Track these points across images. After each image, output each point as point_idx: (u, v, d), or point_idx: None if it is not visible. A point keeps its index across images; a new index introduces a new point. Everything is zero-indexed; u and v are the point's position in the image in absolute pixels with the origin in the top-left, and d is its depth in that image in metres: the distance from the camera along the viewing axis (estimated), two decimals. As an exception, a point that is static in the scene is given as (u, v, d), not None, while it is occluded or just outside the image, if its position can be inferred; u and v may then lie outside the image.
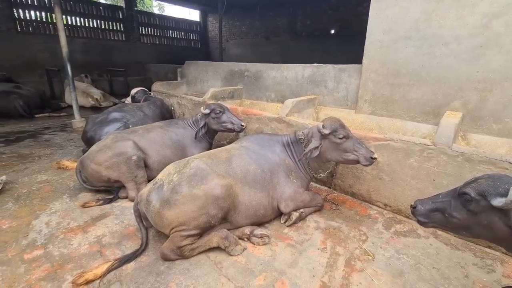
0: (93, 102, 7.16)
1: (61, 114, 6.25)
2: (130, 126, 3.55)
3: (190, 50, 13.39)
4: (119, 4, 10.23)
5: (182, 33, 12.98)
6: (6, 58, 7.83)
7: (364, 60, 3.20)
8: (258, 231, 2.06)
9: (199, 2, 11.72)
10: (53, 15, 8.80)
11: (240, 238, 2.04)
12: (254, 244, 2.03)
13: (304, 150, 2.28)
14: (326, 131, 2.19)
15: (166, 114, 4.63)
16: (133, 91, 4.97)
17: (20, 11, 8.10)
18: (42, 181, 2.96)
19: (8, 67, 7.90)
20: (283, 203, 2.25)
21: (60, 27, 4.60)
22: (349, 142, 2.21)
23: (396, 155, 2.38)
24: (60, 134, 4.75)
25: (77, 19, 9.37)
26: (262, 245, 2.03)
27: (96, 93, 7.32)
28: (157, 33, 11.89)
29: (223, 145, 3.77)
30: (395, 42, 2.93)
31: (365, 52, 3.17)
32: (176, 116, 4.96)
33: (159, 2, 11.46)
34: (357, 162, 2.19)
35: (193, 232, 1.84)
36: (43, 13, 8.58)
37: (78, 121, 5.09)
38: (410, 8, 2.79)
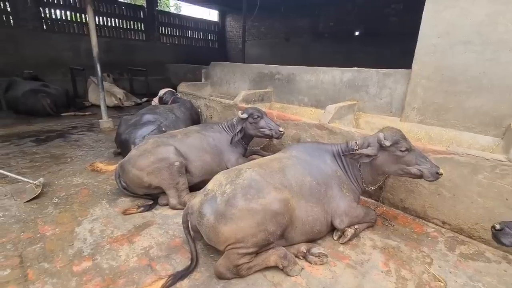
0: (116, 102, 7.17)
1: (86, 113, 6.26)
2: (164, 129, 3.47)
3: (208, 51, 13.37)
4: (140, 4, 10.23)
5: (201, 33, 12.97)
6: (32, 56, 7.95)
7: (414, 65, 3.01)
8: (316, 249, 1.91)
9: (219, 2, 11.67)
10: (78, 14, 8.93)
11: (295, 256, 1.90)
12: (311, 264, 1.88)
13: (357, 162, 2.15)
14: (387, 143, 2.02)
15: (195, 116, 4.55)
16: (161, 92, 4.91)
17: (47, 9, 8.22)
18: (78, 184, 2.90)
19: (34, 65, 8.02)
20: (337, 218, 2.10)
21: (92, 26, 4.57)
22: (411, 155, 2.04)
23: (460, 170, 2.18)
24: (88, 134, 4.73)
25: (101, 18, 9.45)
26: (320, 264, 1.88)
27: (119, 92, 7.33)
28: (176, 33, 11.92)
29: (256, 151, 3.68)
30: (452, 47, 2.73)
31: (415, 56, 2.98)
32: (203, 119, 4.87)
33: (177, 1, 11.47)
34: (420, 176, 2.02)
35: (250, 250, 1.71)
36: (68, 12, 8.68)
37: (105, 121, 5.07)
38: (472, 10, 2.58)
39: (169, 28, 11.57)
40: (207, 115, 4.79)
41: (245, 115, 3.01)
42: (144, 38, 10.77)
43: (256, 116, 3.02)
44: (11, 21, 7.65)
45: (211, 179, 1.97)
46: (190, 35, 12.54)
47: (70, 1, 8.64)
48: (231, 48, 13.89)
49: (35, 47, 7.98)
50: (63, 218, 2.30)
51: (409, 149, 2.04)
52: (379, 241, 2.17)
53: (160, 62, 11.14)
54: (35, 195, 2.54)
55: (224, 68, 5.86)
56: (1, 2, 7.38)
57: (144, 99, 8.27)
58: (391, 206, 2.66)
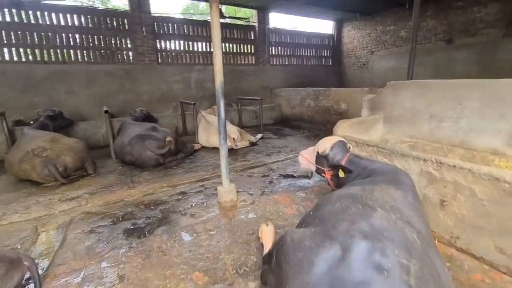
0: (230, 144, 5.47)
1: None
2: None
3: (320, 69, 11.11)
4: (251, 23, 8.90)
5: (313, 49, 10.87)
6: (146, 92, 7.37)
7: None
8: None
9: (337, 9, 9.32)
10: (190, 43, 8.14)
11: None
12: None
13: None
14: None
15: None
16: (326, 145, 2.60)
17: (162, 42, 7.65)
18: None
19: (147, 101, 7.41)
20: None
21: (217, 43, 2.76)
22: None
23: None
24: (202, 217, 2.82)
25: (211, 44, 8.47)
26: None
27: (233, 131, 5.64)
28: (287, 52, 10.17)
29: None
30: None
31: None
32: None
33: (284, 15, 9.67)
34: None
35: None
36: (182, 42, 7.97)
37: (226, 191, 3.11)
38: None
39: (279, 48, 9.92)
40: (432, 196, 2.17)
41: None
42: (253, 62, 9.37)
43: None
44: (131, 57, 7.28)
45: None
46: (302, 53, 10.59)
47: (185, 30, 7.91)
48: (349, 64, 11.20)
49: (150, 82, 7.39)
50: None
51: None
52: None
53: (267, 88, 9.50)
54: None
55: (425, 91, 3.16)
56: (123, 39, 7.05)
57: (259, 136, 6.43)
58: None
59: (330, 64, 11.56)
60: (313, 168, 2.82)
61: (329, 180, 2.63)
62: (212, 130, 5.73)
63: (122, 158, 4.67)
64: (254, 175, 4.07)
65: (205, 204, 3.15)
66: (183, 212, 2.97)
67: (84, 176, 4.18)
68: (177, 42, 7.88)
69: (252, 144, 5.87)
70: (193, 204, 3.13)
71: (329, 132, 6.73)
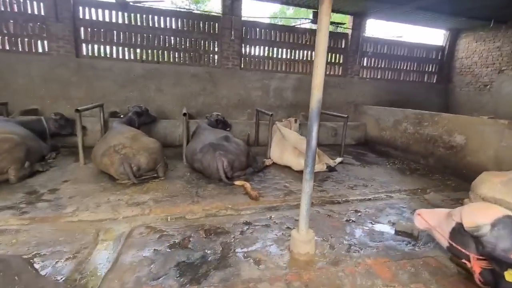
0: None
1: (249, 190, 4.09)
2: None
3: (420, 87, 9.31)
4: (344, 30, 7.98)
5: (414, 63, 9.18)
6: (225, 96, 7.29)
7: None
8: None
9: (457, 15, 7.49)
10: (274, 49, 7.75)
11: None
12: None
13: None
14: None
15: None
16: (480, 219, 1.62)
17: (247, 47, 7.48)
18: None
19: (225, 105, 7.32)
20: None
21: (321, 65, 2.09)
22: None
23: None
24: (273, 268, 2.19)
25: (295, 51, 7.93)
26: None
27: (311, 151, 4.87)
28: (381, 65, 8.82)
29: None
30: None
31: None
32: None
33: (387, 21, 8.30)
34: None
35: None
36: (266, 47, 7.64)
37: (302, 240, 2.38)
38: None
39: (373, 59, 8.68)
40: None
41: None
42: (339, 73, 8.41)
43: None
44: (216, 60, 7.32)
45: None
46: (399, 67, 9.05)
47: (271, 36, 7.57)
48: (462, 83, 9.05)
49: (230, 86, 7.29)
50: None
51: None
52: None
53: (351, 103, 8.37)
54: None
55: None
56: (211, 42, 7.13)
57: (339, 161, 5.50)
58: None
59: (434, 81, 9.58)
60: (442, 242, 1.86)
61: (476, 274, 1.65)
62: (287, 146, 5.12)
63: (191, 164, 4.48)
64: (335, 215, 3.25)
65: (273, 248, 2.51)
66: (246, 254, 2.40)
67: (155, 178, 4.11)
68: (261, 47, 7.59)
69: (330, 169, 5.00)
70: (259, 246, 2.53)
71: (432, 169, 5.33)
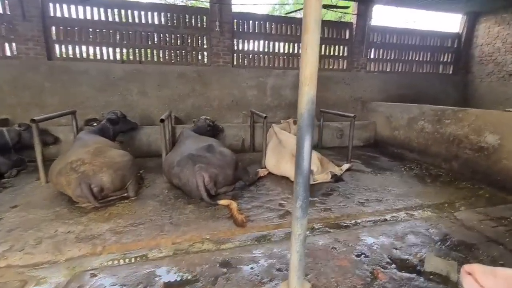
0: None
1: (234, 209, 3.36)
2: None
3: (435, 79, 8.40)
4: (347, 20, 7.16)
5: (428, 53, 8.28)
6: (217, 97, 6.58)
7: None
8: None
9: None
10: (271, 43, 7.01)
11: None
12: None
13: None
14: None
15: None
16: None
17: (240, 41, 6.75)
18: None
19: (216, 107, 6.62)
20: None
21: (312, 47, 1.35)
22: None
23: None
24: None
25: (294, 45, 7.16)
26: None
27: (312, 160, 4.11)
28: (390, 56, 7.97)
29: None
30: None
31: None
32: None
33: (399, 7, 7.44)
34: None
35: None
36: (262, 42, 6.90)
37: (294, 301, 1.66)
38: None
39: (381, 50, 7.84)
40: None
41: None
42: (344, 67, 7.60)
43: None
44: (205, 58, 6.62)
45: None
46: (411, 57, 8.18)
47: (266, 28, 6.83)
48: (483, 73, 8.11)
49: (222, 86, 6.58)
50: None
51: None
52: None
53: (358, 99, 7.56)
54: None
55: None
56: (199, 38, 6.43)
57: (346, 168, 4.73)
58: None
59: (450, 72, 8.66)
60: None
61: None
62: (284, 153, 4.38)
63: (170, 179, 3.79)
64: (341, 247, 2.50)
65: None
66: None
67: (124, 198, 3.43)
68: (256, 41, 6.86)
69: (336, 179, 4.23)
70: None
71: (458, 175, 4.49)
